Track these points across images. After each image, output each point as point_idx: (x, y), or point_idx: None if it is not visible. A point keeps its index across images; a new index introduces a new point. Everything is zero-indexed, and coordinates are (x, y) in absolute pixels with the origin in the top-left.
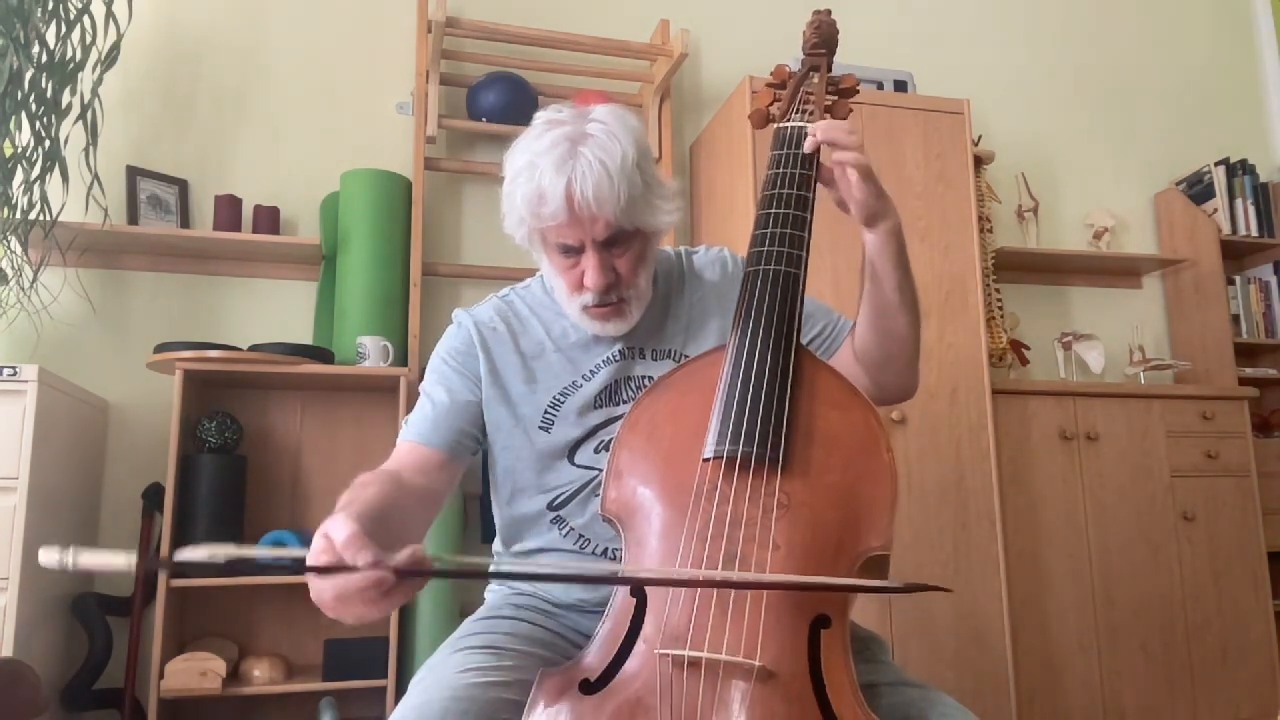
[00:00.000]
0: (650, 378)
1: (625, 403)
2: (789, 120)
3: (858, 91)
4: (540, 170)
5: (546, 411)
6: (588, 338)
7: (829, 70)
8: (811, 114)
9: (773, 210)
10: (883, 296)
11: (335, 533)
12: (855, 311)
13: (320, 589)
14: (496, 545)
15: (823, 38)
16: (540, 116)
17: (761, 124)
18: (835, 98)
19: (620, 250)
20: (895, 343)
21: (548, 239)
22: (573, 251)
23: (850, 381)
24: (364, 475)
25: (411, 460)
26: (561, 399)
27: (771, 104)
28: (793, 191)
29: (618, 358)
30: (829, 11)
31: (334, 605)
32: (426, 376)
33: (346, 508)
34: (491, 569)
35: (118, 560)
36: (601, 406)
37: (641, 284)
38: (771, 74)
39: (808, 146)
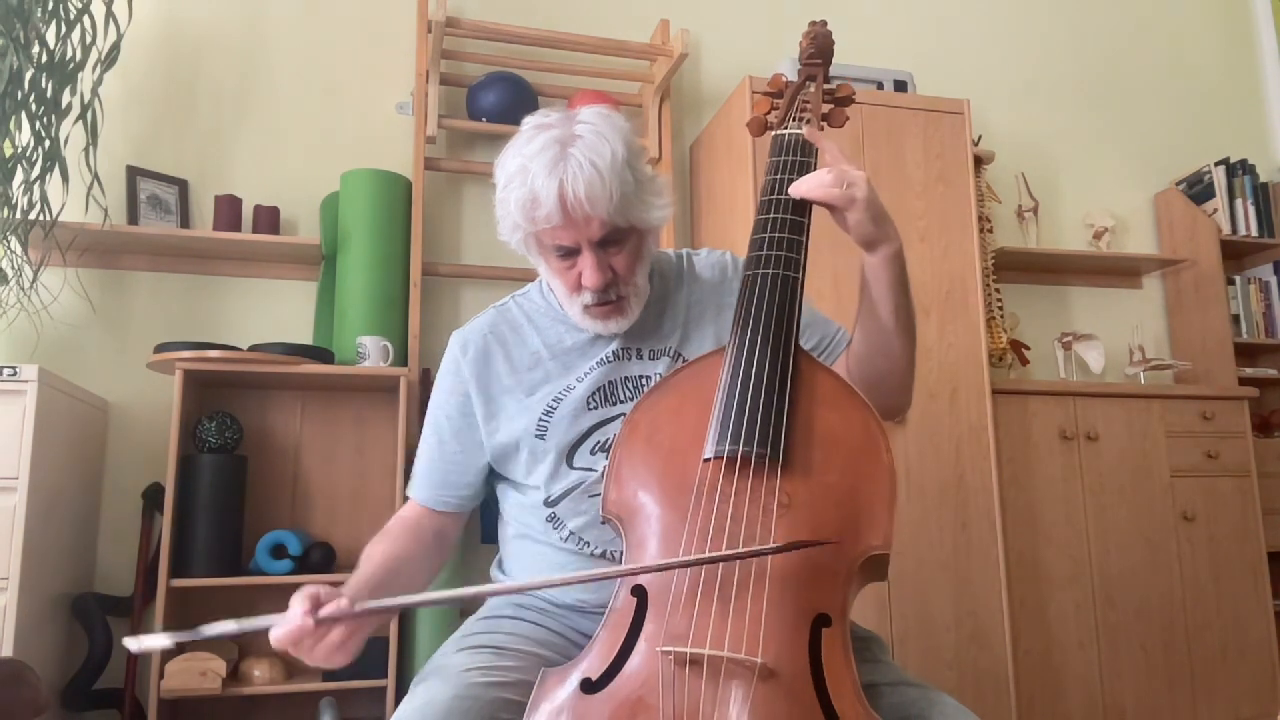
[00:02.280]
0: (646, 376)
1: (621, 403)
2: (786, 128)
3: (853, 100)
4: (532, 174)
5: (541, 419)
6: (583, 342)
7: (825, 79)
8: (809, 121)
9: (771, 215)
10: (878, 319)
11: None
12: (853, 323)
13: (274, 644)
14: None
15: (818, 48)
16: (528, 121)
17: (760, 132)
18: (831, 106)
19: (616, 249)
20: (888, 363)
21: (543, 242)
22: (569, 253)
23: (849, 383)
24: (389, 524)
25: (419, 515)
26: (555, 404)
27: (769, 112)
28: (790, 198)
29: (611, 359)
30: (824, 22)
31: (294, 652)
32: (429, 410)
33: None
34: (424, 596)
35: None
36: (596, 407)
37: (639, 281)
38: (769, 83)
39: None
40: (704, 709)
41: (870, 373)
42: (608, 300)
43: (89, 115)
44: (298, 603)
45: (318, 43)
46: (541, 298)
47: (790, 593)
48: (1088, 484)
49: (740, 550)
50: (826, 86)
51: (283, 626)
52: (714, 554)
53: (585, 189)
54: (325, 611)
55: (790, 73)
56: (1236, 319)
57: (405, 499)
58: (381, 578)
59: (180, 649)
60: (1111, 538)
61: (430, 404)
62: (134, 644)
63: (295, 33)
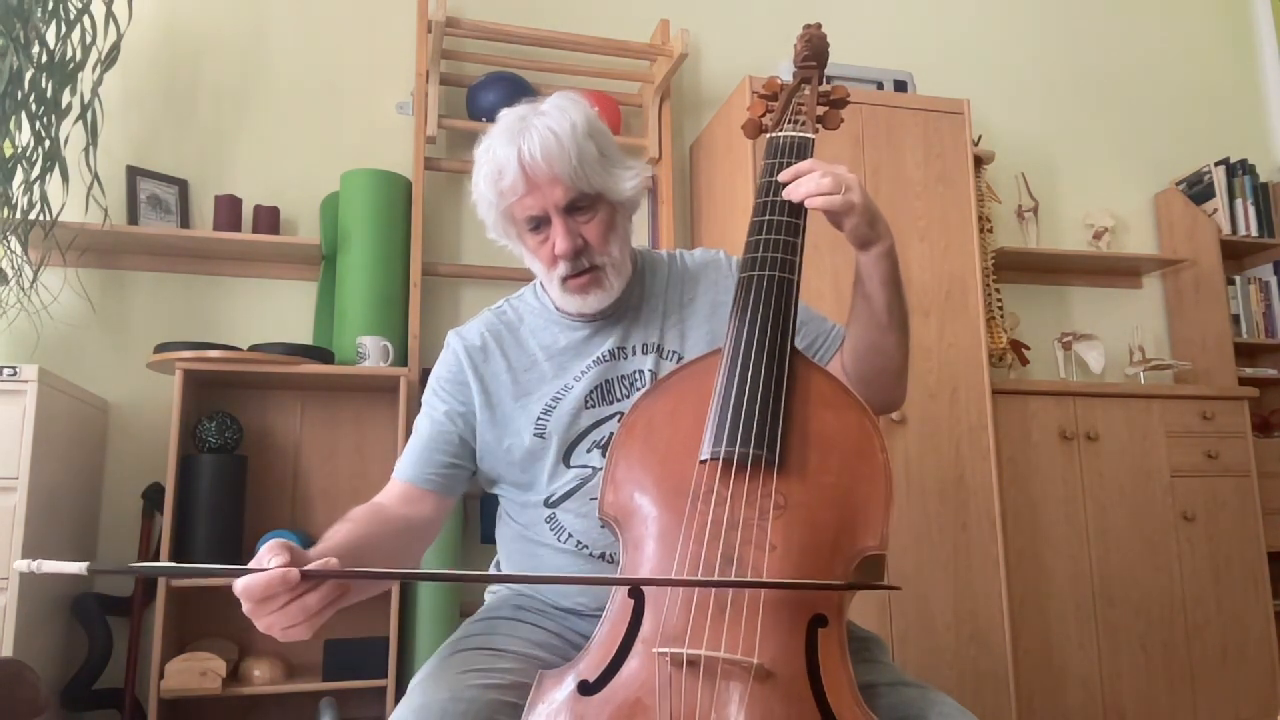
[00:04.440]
0: (641, 373)
1: (618, 401)
2: (781, 130)
3: (848, 102)
4: (493, 148)
5: (539, 419)
6: (577, 341)
7: (820, 82)
8: (803, 124)
9: (766, 217)
10: (872, 315)
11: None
12: (847, 320)
13: (238, 592)
14: (498, 557)
15: (813, 50)
16: (502, 113)
17: (755, 135)
18: (826, 108)
19: (585, 217)
20: (882, 359)
21: (516, 217)
22: (541, 225)
23: (845, 383)
24: (353, 510)
25: (397, 494)
26: (553, 404)
27: (764, 115)
28: (785, 199)
29: (606, 358)
30: (819, 25)
31: (252, 610)
32: (423, 402)
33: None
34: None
35: (73, 566)
36: (594, 406)
37: (614, 252)
38: (764, 86)
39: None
40: (701, 710)
41: (865, 368)
42: (582, 270)
43: (89, 115)
44: (272, 552)
45: (318, 43)
46: (535, 299)
47: (786, 594)
48: (1088, 484)
49: (734, 579)
50: (821, 89)
51: (257, 575)
52: (711, 579)
53: (541, 150)
54: (314, 564)
55: (789, 75)
56: (1236, 319)
57: None
58: (350, 546)
59: (181, 648)
60: (1111, 538)
61: (424, 397)
62: (23, 565)
63: (295, 33)
